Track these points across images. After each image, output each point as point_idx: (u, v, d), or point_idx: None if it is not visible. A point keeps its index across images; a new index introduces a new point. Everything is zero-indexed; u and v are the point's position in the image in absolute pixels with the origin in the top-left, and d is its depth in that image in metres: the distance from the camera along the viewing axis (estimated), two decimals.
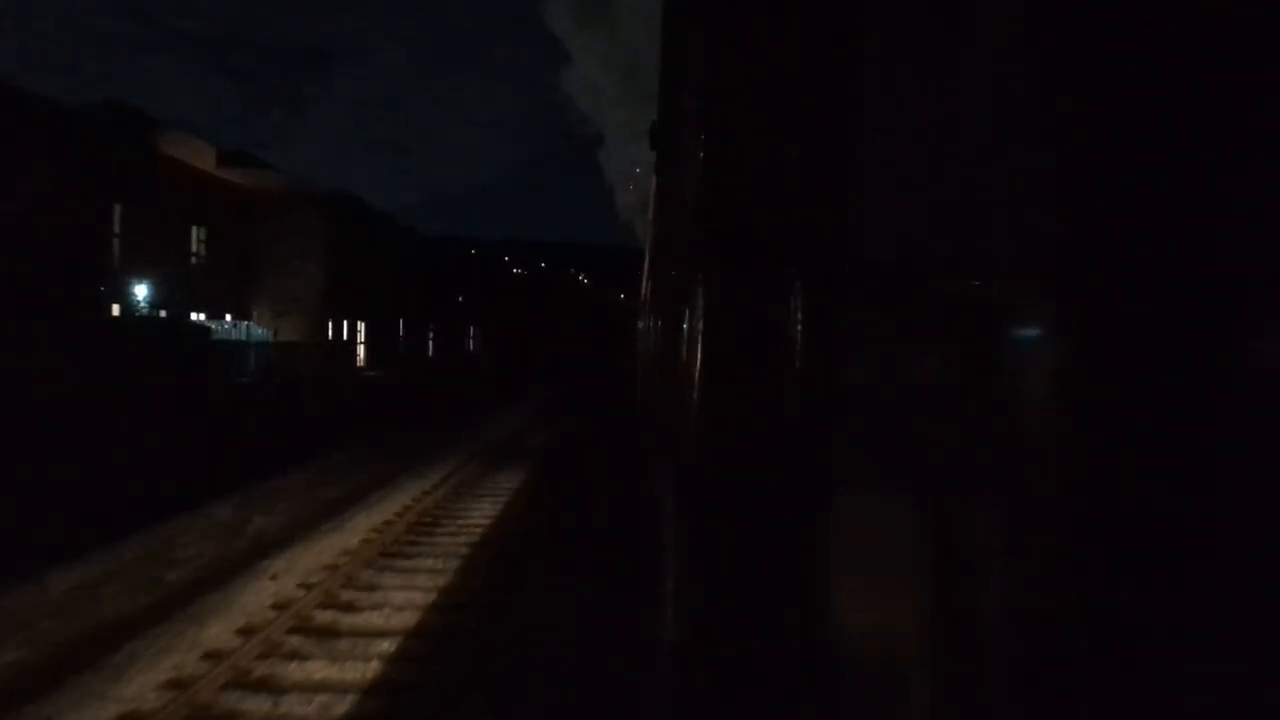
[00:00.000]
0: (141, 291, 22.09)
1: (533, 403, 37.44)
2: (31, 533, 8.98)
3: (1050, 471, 0.71)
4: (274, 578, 8.62)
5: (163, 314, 23.12)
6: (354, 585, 8.39)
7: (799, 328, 1.43)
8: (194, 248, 26.02)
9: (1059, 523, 0.69)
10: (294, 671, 6.28)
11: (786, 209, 1.52)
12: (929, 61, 1.07)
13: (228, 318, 26.64)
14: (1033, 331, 0.79)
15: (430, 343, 43.11)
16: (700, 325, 1.82)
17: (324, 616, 7.46)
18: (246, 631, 6.94)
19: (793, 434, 1.45)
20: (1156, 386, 0.61)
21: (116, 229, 22.04)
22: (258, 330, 25.40)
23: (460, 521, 11.70)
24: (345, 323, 31.38)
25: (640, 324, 20.53)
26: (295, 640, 6.88)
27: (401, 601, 7.87)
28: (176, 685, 5.89)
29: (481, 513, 12.36)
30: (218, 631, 7.04)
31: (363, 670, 6.28)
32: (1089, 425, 0.67)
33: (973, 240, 0.92)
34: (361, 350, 33.28)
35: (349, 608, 7.72)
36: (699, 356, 1.81)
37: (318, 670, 6.30)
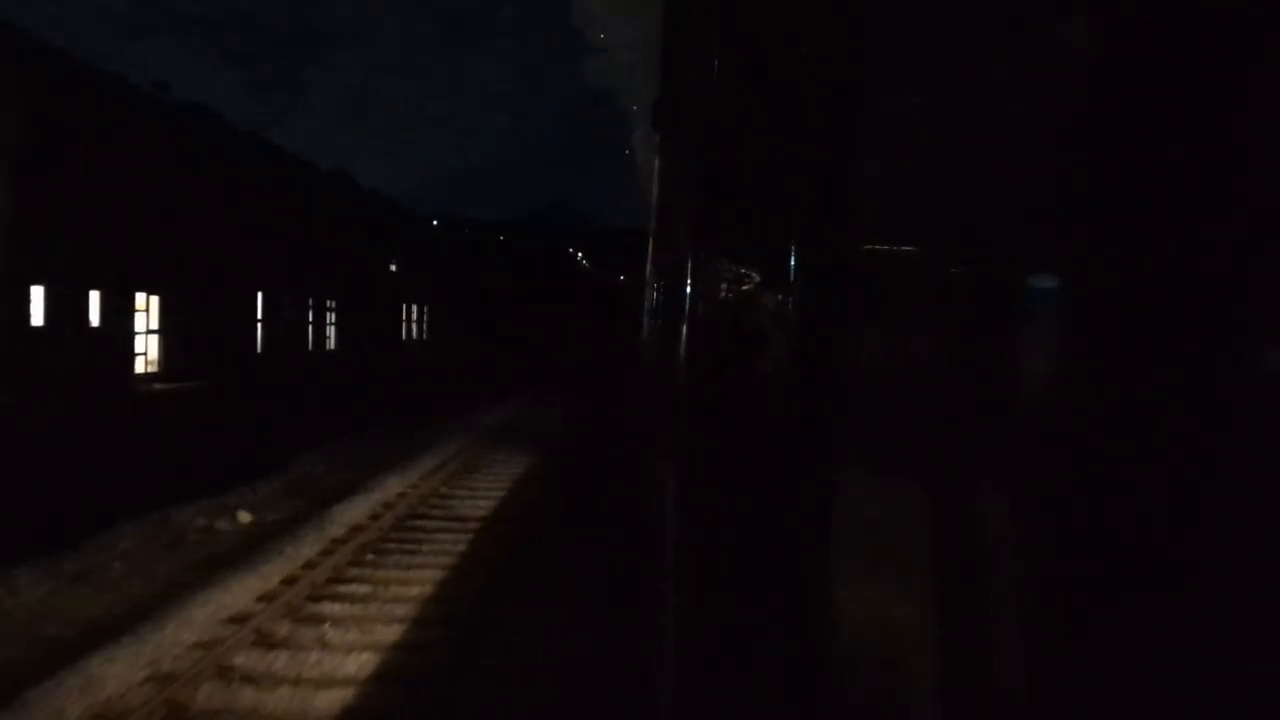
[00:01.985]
0: None
1: (458, 439, 22.57)
2: None
3: (1054, 462, 0.69)
4: None
5: None
6: None
7: (799, 312, 1.42)
8: None
9: (1063, 514, 0.68)
10: None
11: (789, 191, 1.50)
12: (933, 45, 1.05)
13: None
14: (1038, 316, 0.76)
15: (330, 330, 28.46)
16: (699, 308, 1.80)
17: None
18: None
19: (792, 420, 1.43)
20: (1165, 374, 0.60)
21: None
22: None
23: None
24: (101, 293, 16.65)
25: (646, 305, 14.99)
26: None
27: None
28: None
29: None
30: None
31: None
32: (1095, 414, 0.65)
33: (976, 225, 0.89)
34: (155, 342, 18.60)
35: None
36: (698, 340, 1.83)
37: None
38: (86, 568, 10.85)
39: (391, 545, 12.28)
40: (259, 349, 22.83)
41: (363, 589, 10.41)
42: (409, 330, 38.66)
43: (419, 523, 13.68)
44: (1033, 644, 0.73)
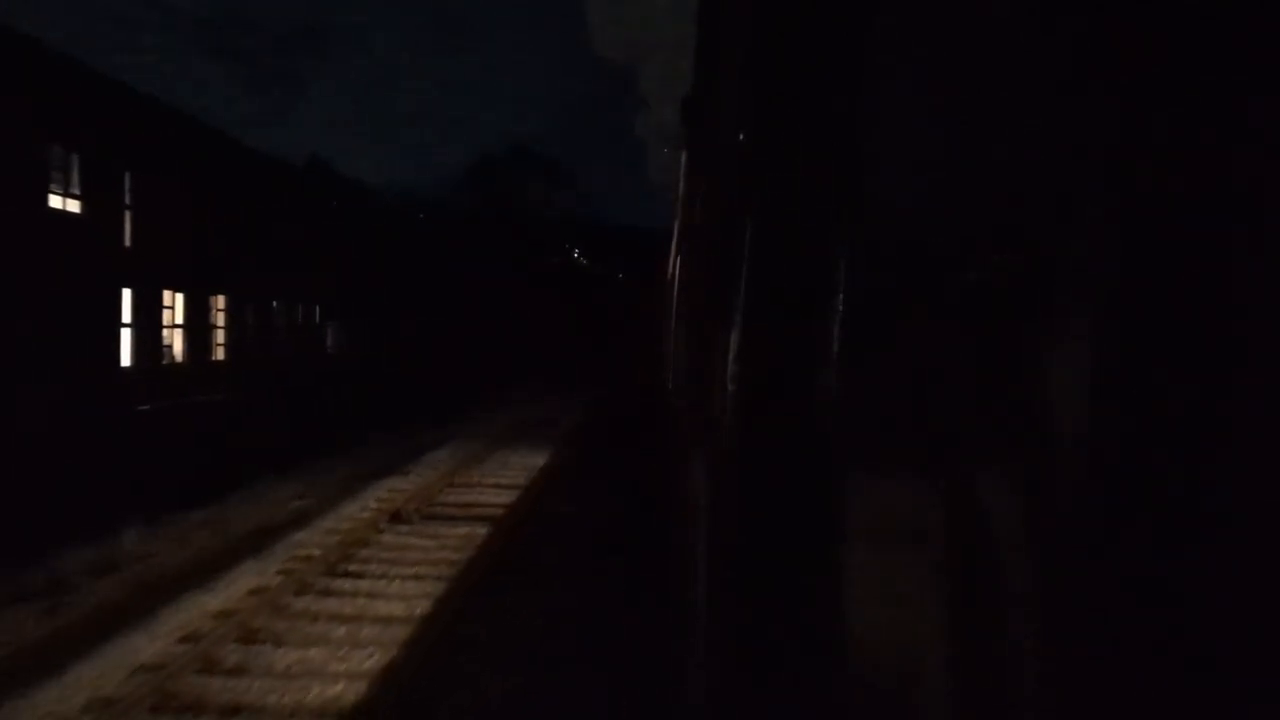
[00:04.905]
0: None
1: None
2: None
3: (1068, 465, 0.71)
4: None
5: None
6: None
7: (832, 317, 1.44)
8: None
9: (1081, 515, 0.69)
10: None
11: (820, 198, 1.52)
12: (946, 43, 1.09)
13: None
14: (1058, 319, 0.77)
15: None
16: (736, 317, 1.83)
17: None
18: None
19: (821, 419, 1.45)
20: (1183, 377, 0.61)
21: None
22: None
23: None
24: None
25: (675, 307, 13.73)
26: None
27: None
28: None
29: None
30: None
31: None
32: (1112, 417, 0.66)
33: (995, 223, 0.92)
34: None
35: None
36: (735, 341, 1.84)
37: None
38: None
39: None
40: None
41: None
42: (147, 347, 18.57)
43: None
44: (1040, 648, 0.74)
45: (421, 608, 8.49)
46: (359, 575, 9.62)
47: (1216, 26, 0.59)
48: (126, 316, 17.31)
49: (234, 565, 9.86)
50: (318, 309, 27.39)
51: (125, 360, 17.27)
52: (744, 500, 1.69)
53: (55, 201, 15.21)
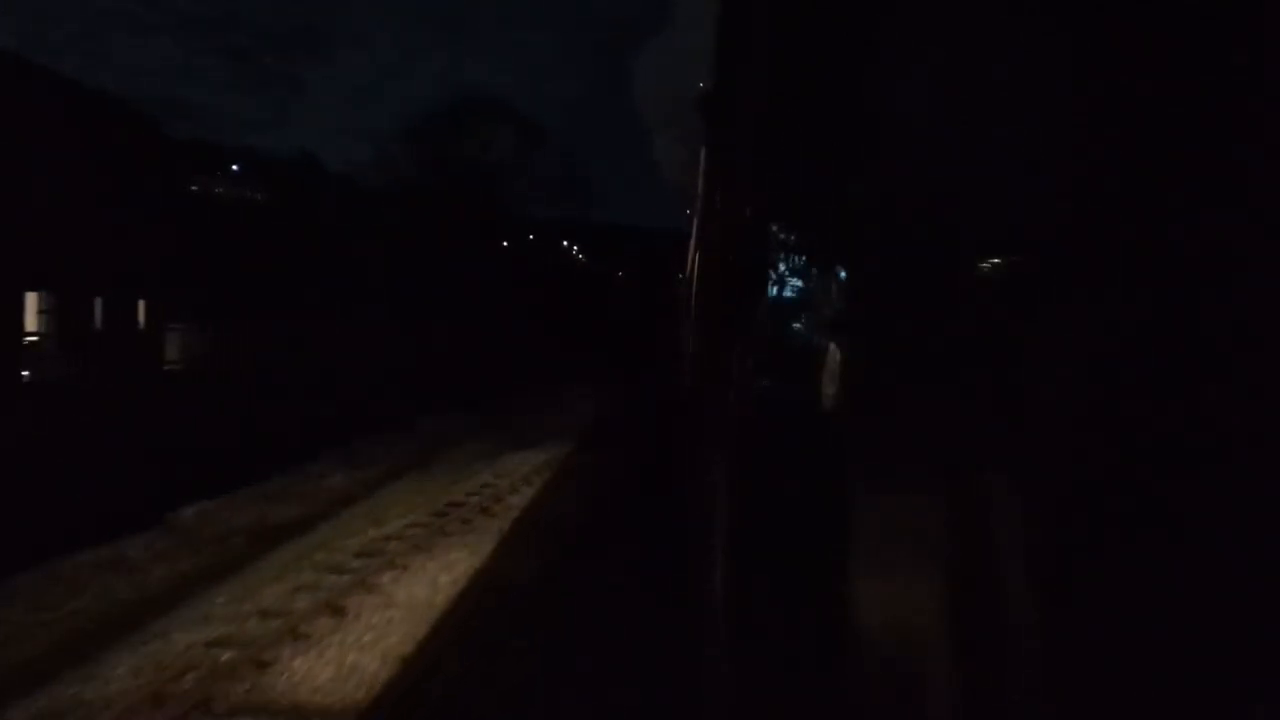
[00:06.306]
0: None
1: None
2: None
3: (1066, 461, 0.70)
4: None
5: None
6: None
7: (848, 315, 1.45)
8: None
9: (1074, 512, 0.69)
10: None
11: (837, 198, 1.51)
12: (956, 49, 1.08)
13: None
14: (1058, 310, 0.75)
15: None
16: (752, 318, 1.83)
17: None
18: None
19: (832, 416, 1.46)
20: (1178, 377, 0.60)
21: None
22: None
23: None
24: None
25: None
26: None
27: None
28: None
29: None
30: None
31: None
32: (1106, 415, 0.66)
33: (999, 222, 0.92)
34: None
35: None
36: (749, 345, 1.86)
37: None
38: None
39: None
40: None
41: None
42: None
43: None
44: (1043, 639, 0.73)
45: None
46: None
47: (1209, 33, 0.58)
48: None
49: None
50: (143, 304, 20.15)
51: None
52: (763, 499, 1.69)
53: None
